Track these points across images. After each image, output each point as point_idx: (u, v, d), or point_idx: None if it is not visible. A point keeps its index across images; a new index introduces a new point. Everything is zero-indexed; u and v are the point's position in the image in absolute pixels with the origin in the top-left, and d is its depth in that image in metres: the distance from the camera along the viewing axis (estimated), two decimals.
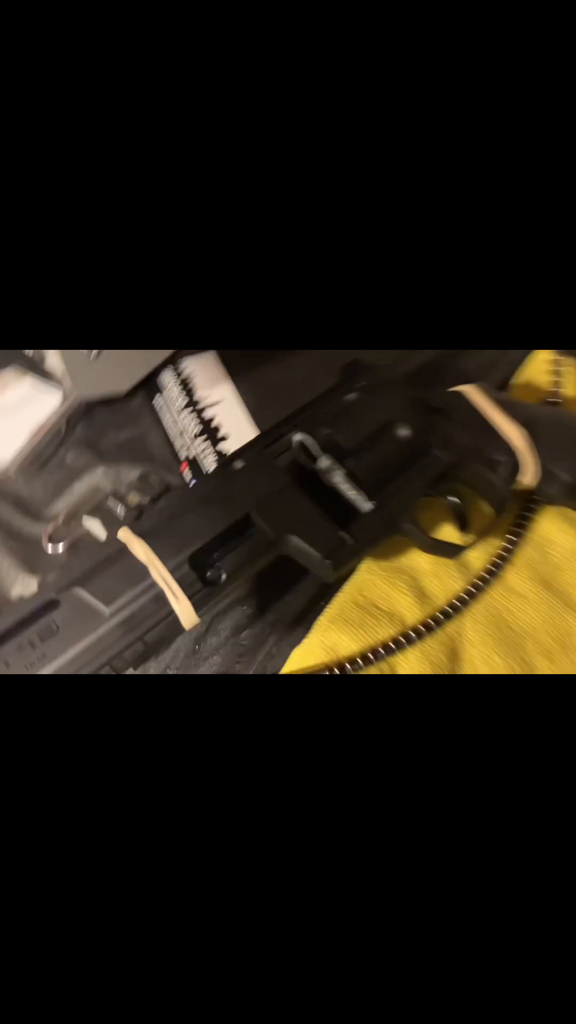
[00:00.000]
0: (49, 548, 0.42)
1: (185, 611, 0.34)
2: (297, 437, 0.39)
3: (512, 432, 0.40)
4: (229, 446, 0.46)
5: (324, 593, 0.41)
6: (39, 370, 0.43)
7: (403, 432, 0.39)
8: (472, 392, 0.42)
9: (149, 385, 0.48)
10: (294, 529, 0.36)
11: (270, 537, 0.36)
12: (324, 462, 0.38)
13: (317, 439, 0.39)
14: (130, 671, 0.34)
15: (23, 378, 0.43)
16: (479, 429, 0.41)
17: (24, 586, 0.41)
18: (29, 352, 0.41)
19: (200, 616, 0.34)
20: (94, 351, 0.40)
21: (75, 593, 0.34)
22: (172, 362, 0.48)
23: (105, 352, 0.41)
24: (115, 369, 0.43)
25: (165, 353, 0.46)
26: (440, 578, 0.42)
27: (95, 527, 0.41)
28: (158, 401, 0.48)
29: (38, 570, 0.41)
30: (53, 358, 0.45)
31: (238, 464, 0.38)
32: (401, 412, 0.39)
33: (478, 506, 0.43)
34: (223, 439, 0.46)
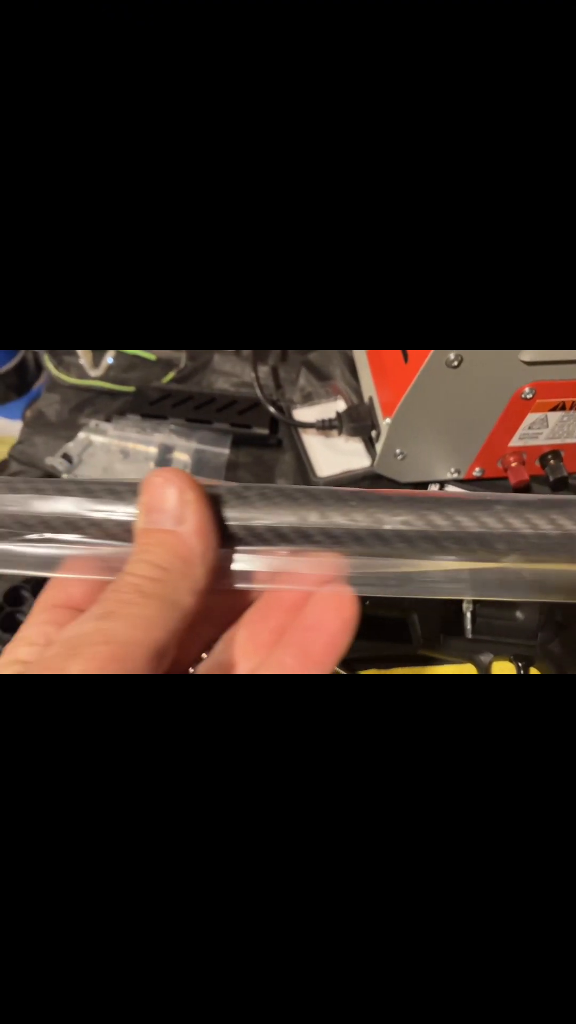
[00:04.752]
0: None
1: None
2: None
3: None
4: None
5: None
6: (370, 443, 0.72)
7: (519, 616, 0.58)
8: None
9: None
10: (417, 612, 0.59)
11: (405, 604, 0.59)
12: (467, 603, 0.59)
13: None
14: None
15: (357, 440, 0.72)
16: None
17: None
18: (373, 433, 0.69)
19: None
20: (399, 452, 0.66)
21: None
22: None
23: (409, 456, 0.67)
24: (409, 468, 0.69)
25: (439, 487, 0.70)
26: None
27: None
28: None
29: None
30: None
31: None
32: (528, 604, 0.58)
33: None
34: None
